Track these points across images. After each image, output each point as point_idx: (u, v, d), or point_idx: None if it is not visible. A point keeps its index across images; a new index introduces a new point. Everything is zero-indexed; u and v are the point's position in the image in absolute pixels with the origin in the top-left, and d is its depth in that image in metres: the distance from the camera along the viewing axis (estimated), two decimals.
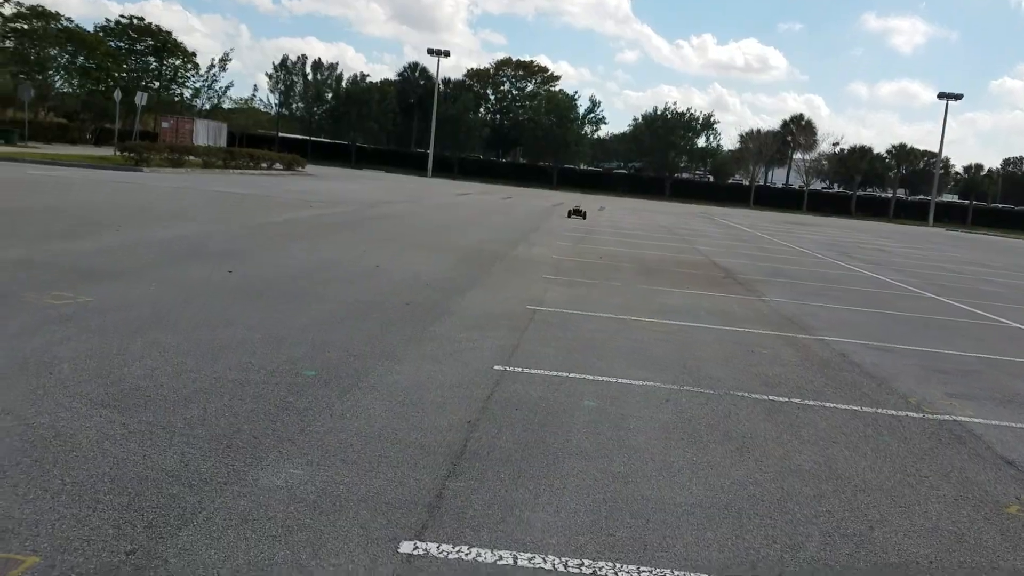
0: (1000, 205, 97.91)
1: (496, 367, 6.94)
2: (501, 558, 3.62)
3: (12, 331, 6.56)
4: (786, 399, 6.80)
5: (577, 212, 32.88)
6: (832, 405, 6.74)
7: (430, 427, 5.27)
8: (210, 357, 6.35)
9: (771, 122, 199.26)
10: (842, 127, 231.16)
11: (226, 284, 9.66)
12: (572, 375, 6.92)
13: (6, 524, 3.46)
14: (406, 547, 3.63)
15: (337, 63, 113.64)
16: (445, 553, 3.62)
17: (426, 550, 3.63)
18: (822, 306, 13.01)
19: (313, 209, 23.43)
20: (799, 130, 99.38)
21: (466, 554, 3.62)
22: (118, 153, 38.68)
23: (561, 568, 3.58)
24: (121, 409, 5.00)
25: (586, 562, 3.66)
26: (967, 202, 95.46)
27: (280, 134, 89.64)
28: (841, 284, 16.95)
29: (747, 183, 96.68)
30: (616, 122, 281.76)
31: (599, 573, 3.57)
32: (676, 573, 3.63)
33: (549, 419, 5.69)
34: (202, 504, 3.84)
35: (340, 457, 4.61)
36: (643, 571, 3.62)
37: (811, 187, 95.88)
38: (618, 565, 3.65)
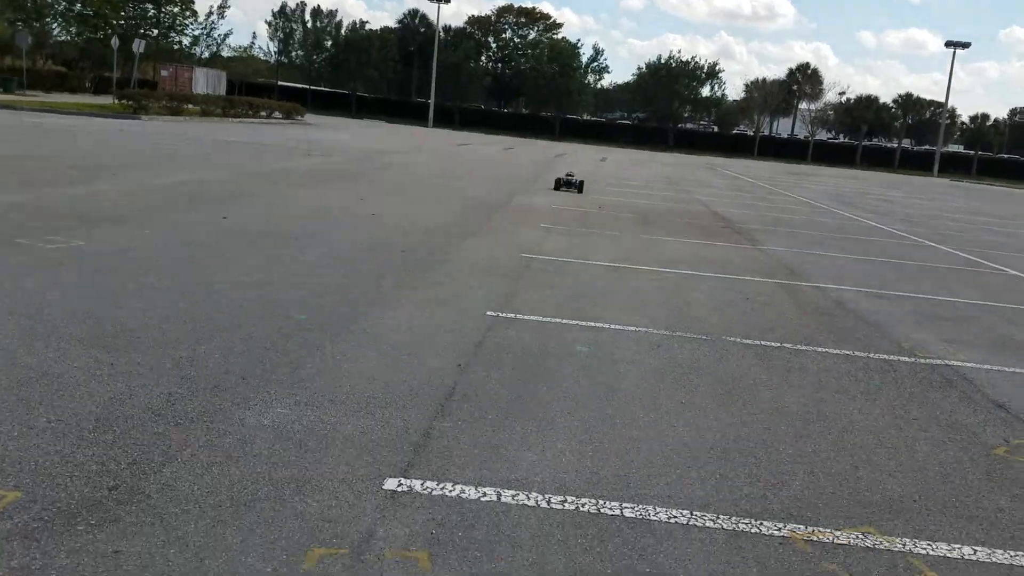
0: (1006, 155, 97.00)
1: (489, 313, 6.93)
2: (485, 495, 3.64)
3: (4, 273, 6.55)
4: (778, 344, 6.79)
5: (569, 183, 20.09)
6: (824, 350, 6.74)
7: (420, 370, 5.27)
8: (201, 300, 6.34)
9: (777, 71, 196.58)
10: (849, 76, 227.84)
11: (220, 230, 9.62)
12: (565, 321, 6.91)
13: None
14: (390, 484, 3.65)
15: (337, 10, 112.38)
16: (429, 490, 3.64)
17: (410, 487, 3.65)
18: (821, 255, 12.96)
19: (311, 158, 23.27)
20: (805, 79, 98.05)
21: (450, 491, 3.64)
22: (117, 101, 38.34)
23: (544, 504, 3.60)
24: (110, 350, 5.01)
25: (569, 498, 3.68)
26: (972, 152, 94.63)
27: (279, 83, 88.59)
28: (841, 233, 16.86)
29: (752, 133, 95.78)
30: (620, 71, 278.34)
31: (582, 509, 3.59)
32: (658, 509, 3.65)
33: (540, 363, 5.69)
34: (187, 441, 3.85)
35: (328, 398, 4.62)
36: (625, 507, 3.64)
37: (816, 137, 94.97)
38: (601, 501, 3.67)
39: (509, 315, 6.92)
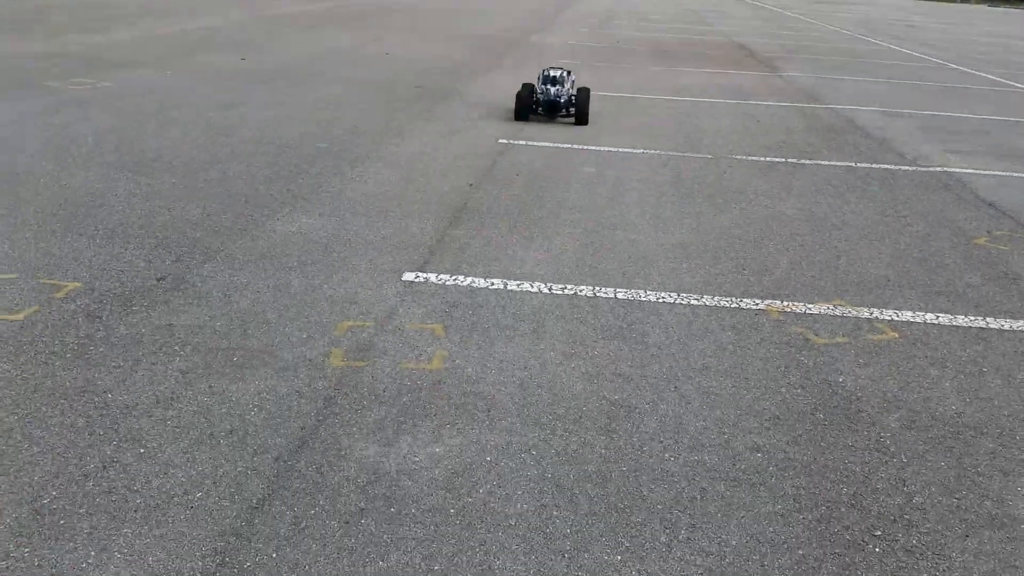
0: None
1: (501, 140, 7.17)
2: (493, 284, 4.03)
3: (38, 111, 6.91)
4: (783, 160, 7.01)
5: (552, 104, 8.05)
6: (827, 163, 6.95)
7: (434, 189, 5.60)
8: (225, 132, 6.66)
9: None
10: None
11: (239, 70, 9.81)
12: (575, 146, 7.14)
13: (49, 259, 3.93)
14: (408, 276, 4.06)
15: None
16: (443, 280, 4.04)
17: (426, 278, 4.05)
18: (841, 79, 12.84)
19: (325, 0, 22.86)
20: None
21: (462, 281, 4.04)
22: None
23: (546, 290, 4.00)
24: (145, 173, 5.39)
25: (569, 286, 4.07)
26: None
27: None
28: (865, 59, 16.54)
29: None
30: None
31: (579, 293, 3.98)
32: (648, 293, 4.03)
33: (548, 182, 5.99)
34: (224, 245, 4.27)
35: (349, 211, 5.00)
36: (619, 292, 4.02)
37: None
38: (597, 288, 4.06)
39: (520, 142, 7.16)
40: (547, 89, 8.08)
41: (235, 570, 2.06)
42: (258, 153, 6.14)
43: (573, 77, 8.47)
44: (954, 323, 3.85)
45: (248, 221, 4.66)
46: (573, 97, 8.10)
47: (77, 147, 5.91)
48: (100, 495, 2.31)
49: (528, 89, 8.13)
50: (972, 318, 3.91)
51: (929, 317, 3.89)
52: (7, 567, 2.03)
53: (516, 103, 8.06)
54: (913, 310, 3.96)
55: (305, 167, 5.87)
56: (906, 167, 6.90)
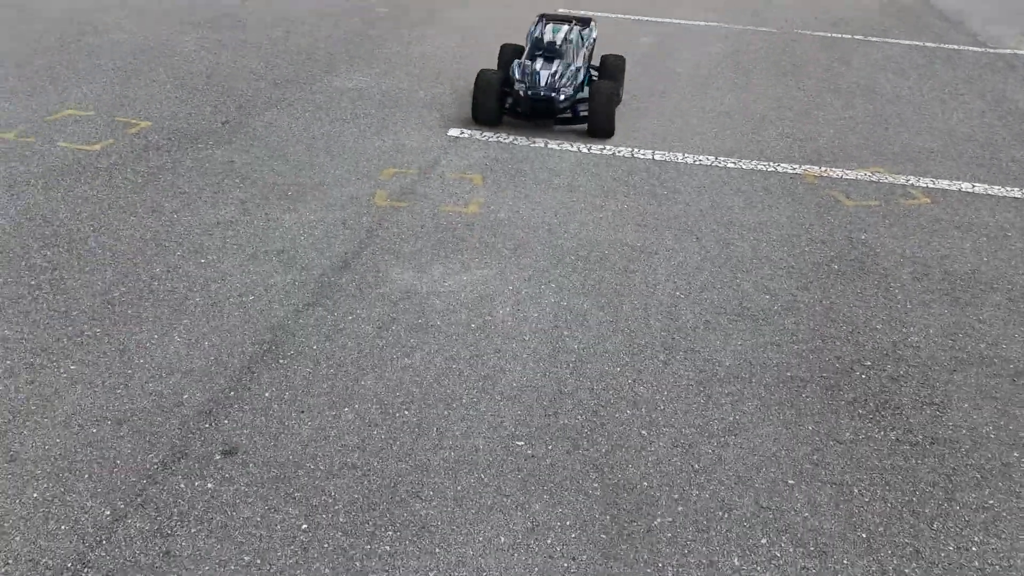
0: None
1: (560, 10, 7.13)
2: (534, 143, 4.19)
3: None
4: (850, 36, 6.85)
5: (545, 102, 4.14)
6: (895, 41, 6.77)
7: (487, 54, 5.60)
8: None
9: None
10: None
11: None
12: (633, 17, 7.10)
13: (123, 101, 4.23)
14: (454, 132, 4.24)
15: None
16: (487, 137, 4.21)
17: (471, 135, 4.23)
18: None
19: None
20: None
21: (504, 139, 4.21)
22: None
23: (584, 150, 4.14)
24: (215, 29, 5.64)
25: (607, 146, 4.19)
26: None
27: None
28: None
29: None
30: None
31: (618, 154, 4.11)
32: (686, 155, 4.14)
33: (604, 50, 5.99)
34: (284, 96, 4.50)
35: (404, 71, 5.16)
36: (657, 153, 4.14)
37: None
38: (635, 150, 4.17)
39: (578, 12, 7.11)
40: (534, 71, 4.26)
41: (279, 356, 2.36)
42: (322, 14, 6.31)
43: (594, 34, 4.88)
44: (988, 192, 3.88)
45: (308, 76, 4.87)
46: (592, 76, 4.69)
47: (154, 4, 6.17)
48: (164, 293, 2.63)
49: (504, 64, 4.70)
50: (1008, 188, 3.93)
51: (965, 186, 3.92)
52: (81, 343, 2.37)
53: (474, 98, 4.28)
54: (950, 179, 3.99)
55: (365, 30, 6.01)
56: (975, 48, 6.68)
